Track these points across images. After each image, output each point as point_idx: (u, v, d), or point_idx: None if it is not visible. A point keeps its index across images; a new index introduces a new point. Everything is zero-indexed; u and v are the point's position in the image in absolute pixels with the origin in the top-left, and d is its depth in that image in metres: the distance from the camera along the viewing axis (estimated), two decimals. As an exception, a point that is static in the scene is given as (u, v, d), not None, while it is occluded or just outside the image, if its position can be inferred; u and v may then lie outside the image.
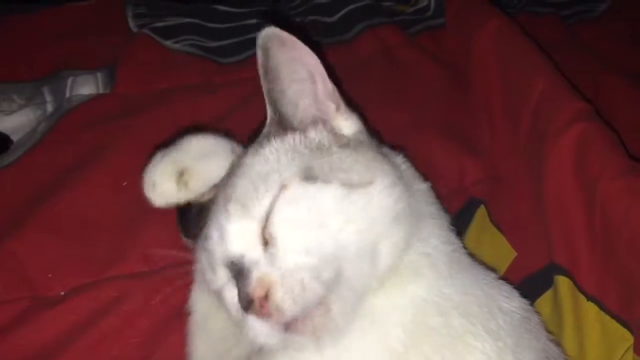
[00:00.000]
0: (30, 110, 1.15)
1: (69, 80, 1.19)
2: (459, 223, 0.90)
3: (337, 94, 0.75)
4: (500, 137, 1.08)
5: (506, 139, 1.06)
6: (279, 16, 1.42)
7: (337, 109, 0.75)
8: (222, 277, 0.70)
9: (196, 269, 0.81)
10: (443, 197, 0.85)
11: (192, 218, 0.83)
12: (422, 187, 0.80)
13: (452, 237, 0.79)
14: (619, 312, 0.77)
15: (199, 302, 0.82)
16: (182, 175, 0.80)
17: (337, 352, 0.66)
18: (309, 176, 0.68)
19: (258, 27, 1.32)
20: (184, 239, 0.85)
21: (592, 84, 1.20)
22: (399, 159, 0.81)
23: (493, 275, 0.77)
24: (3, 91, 1.17)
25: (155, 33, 1.31)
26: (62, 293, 0.91)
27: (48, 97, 1.17)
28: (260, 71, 0.71)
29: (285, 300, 0.62)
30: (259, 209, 0.67)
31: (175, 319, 0.88)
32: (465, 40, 1.24)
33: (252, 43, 1.32)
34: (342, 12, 1.43)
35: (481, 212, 1.02)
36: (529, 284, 0.89)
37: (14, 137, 1.13)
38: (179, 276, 0.88)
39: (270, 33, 0.69)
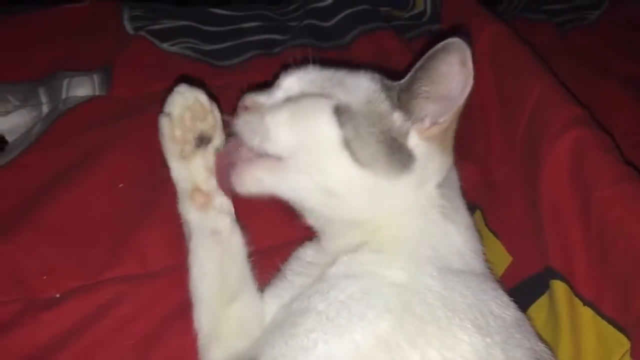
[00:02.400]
0: (25, 111, 1.14)
1: (65, 82, 1.18)
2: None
3: (442, 125, 0.78)
4: (496, 142, 1.09)
5: (502, 145, 1.07)
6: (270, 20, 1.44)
7: (432, 135, 0.78)
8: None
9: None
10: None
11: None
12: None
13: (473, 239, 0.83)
14: (615, 317, 0.77)
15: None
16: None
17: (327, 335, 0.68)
18: (338, 109, 0.76)
19: (255, 31, 1.33)
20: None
21: (586, 90, 1.20)
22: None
23: (494, 285, 0.77)
24: (-1, 92, 1.16)
25: (152, 35, 1.31)
26: (57, 295, 0.90)
27: (44, 99, 1.17)
28: (426, 63, 0.75)
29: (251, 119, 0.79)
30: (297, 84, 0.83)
31: (171, 322, 0.88)
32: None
33: (248, 47, 1.35)
34: (339, 16, 1.43)
35: (477, 217, 1.02)
36: (525, 288, 0.89)
37: (9, 138, 1.12)
38: (175, 279, 0.88)
39: (462, 46, 0.73)
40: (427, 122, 0.77)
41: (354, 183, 0.76)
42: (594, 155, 0.84)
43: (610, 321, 0.78)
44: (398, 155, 0.76)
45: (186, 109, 0.82)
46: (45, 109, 1.16)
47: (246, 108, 0.82)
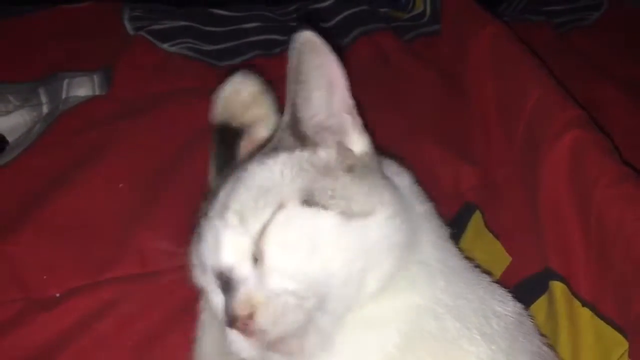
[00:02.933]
0: (25, 111, 1.15)
1: (65, 82, 1.18)
2: (455, 228, 0.90)
3: (355, 109, 0.73)
4: (496, 143, 1.09)
5: (501, 146, 1.07)
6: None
7: (353, 123, 0.73)
8: (211, 281, 0.70)
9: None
10: (439, 202, 0.85)
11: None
12: (424, 208, 0.79)
13: (449, 245, 0.79)
14: (614, 318, 0.77)
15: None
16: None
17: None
18: (308, 198, 0.67)
19: (255, 31, 1.34)
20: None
21: (586, 91, 1.21)
22: (404, 180, 0.80)
23: (488, 279, 0.77)
24: (-1, 92, 1.16)
25: (152, 36, 1.31)
26: (57, 295, 0.90)
27: (44, 99, 1.17)
28: (290, 73, 0.69)
29: (268, 323, 0.62)
30: (255, 225, 0.66)
31: (172, 322, 0.88)
32: (460, 46, 1.25)
33: (249, 47, 1.35)
34: (339, 17, 1.43)
35: (476, 217, 1.03)
36: (524, 289, 0.89)
37: (10, 138, 1.12)
38: (176, 279, 0.88)
39: (307, 37, 0.67)
40: (349, 119, 0.73)
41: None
42: (593, 156, 0.84)
43: (609, 322, 0.77)
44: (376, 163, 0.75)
45: None
46: (45, 109, 1.16)
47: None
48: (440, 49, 1.38)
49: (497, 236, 0.99)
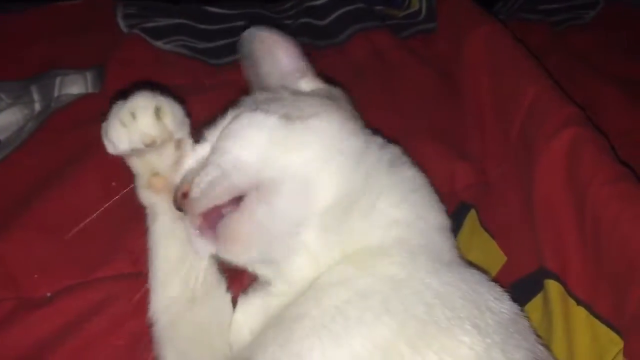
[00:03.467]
0: (17, 109, 1.14)
1: (58, 80, 1.18)
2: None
3: (305, 66, 0.91)
4: (491, 142, 1.09)
5: (497, 144, 1.07)
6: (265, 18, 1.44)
7: (302, 76, 0.91)
8: None
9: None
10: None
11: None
12: (410, 172, 0.83)
13: (448, 235, 0.81)
14: (609, 316, 0.77)
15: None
16: (158, 111, 0.78)
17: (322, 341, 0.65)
18: (255, 108, 0.79)
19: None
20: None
21: (582, 90, 1.21)
22: (390, 147, 0.85)
23: (484, 277, 0.76)
24: (-9, 90, 1.15)
25: (146, 33, 1.30)
26: (49, 294, 0.89)
27: (36, 96, 1.16)
28: (244, 60, 0.92)
29: (194, 191, 0.73)
30: (214, 133, 0.80)
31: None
32: (456, 45, 1.25)
33: (242, 45, 1.34)
34: (334, 15, 1.43)
35: (472, 216, 1.02)
36: (519, 288, 0.89)
37: (1, 136, 1.11)
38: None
39: (252, 32, 0.91)
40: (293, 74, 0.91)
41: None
42: (589, 155, 0.84)
43: (604, 321, 0.77)
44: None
45: (134, 146, 0.77)
46: (37, 106, 1.15)
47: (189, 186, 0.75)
48: (436, 47, 1.38)
49: (492, 235, 0.98)
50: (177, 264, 0.81)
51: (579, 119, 0.90)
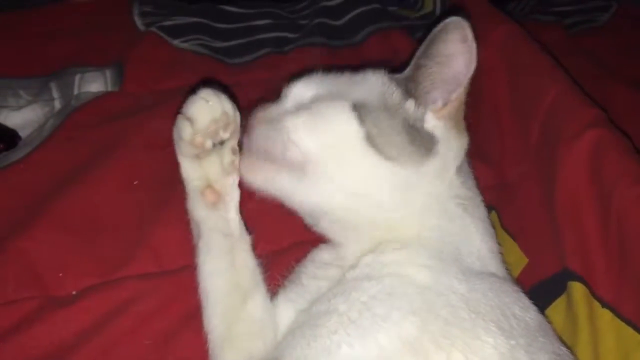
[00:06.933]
0: (37, 106, 1.14)
1: (77, 77, 1.18)
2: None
3: (454, 103, 0.81)
4: (510, 142, 1.08)
5: (516, 145, 1.07)
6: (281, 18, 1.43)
7: (441, 108, 0.80)
8: None
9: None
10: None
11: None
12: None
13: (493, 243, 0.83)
14: (634, 319, 0.77)
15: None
16: None
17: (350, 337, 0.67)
18: (357, 108, 0.77)
19: (266, 29, 1.33)
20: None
21: (595, 92, 1.21)
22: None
23: (515, 287, 0.77)
24: (10, 87, 1.15)
25: (163, 32, 1.30)
26: (74, 293, 0.89)
27: (56, 94, 1.16)
28: (428, 47, 0.79)
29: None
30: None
31: (189, 320, 0.87)
32: (473, 46, 1.25)
33: (260, 44, 1.35)
34: (349, 15, 1.43)
35: (493, 218, 1.02)
36: (542, 290, 0.89)
37: (22, 133, 1.11)
38: (192, 277, 0.88)
39: (460, 24, 0.78)
40: (439, 103, 0.80)
41: (381, 178, 0.76)
42: (613, 156, 0.84)
43: (630, 323, 0.77)
44: (419, 140, 0.78)
45: (213, 121, 0.78)
46: (57, 104, 1.16)
47: (258, 122, 0.82)
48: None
49: (513, 237, 0.98)
50: (227, 273, 0.83)
51: (602, 120, 0.90)
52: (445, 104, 0.80)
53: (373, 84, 0.82)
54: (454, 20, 0.77)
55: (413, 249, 0.75)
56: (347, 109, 0.77)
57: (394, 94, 0.80)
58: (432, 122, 0.80)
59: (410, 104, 0.80)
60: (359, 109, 0.77)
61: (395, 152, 0.76)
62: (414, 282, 0.71)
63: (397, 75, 0.83)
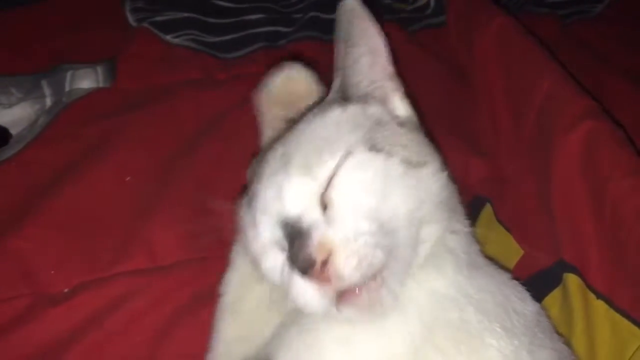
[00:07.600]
0: (28, 103, 1.13)
1: (69, 74, 1.17)
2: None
3: (396, 77, 0.78)
4: (504, 135, 1.08)
5: (510, 137, 1.06)
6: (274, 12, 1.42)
7: (396, 90, 0.78)
8: (267, 237, 0.68)
9: (232, 252, 0.81)
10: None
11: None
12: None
13: (473, 237, 0.80)
14: (629, 310, 0.76)
15: (232, 285, 0.81)
16: None
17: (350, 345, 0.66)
18: (372, 146, 0.68)
19: (259, 23, 1.32)
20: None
21: (590, 83, 1.20)
22: None
23: (507, 275, 0.77)
24: (1, 84, 1.15)
25: (155, 27, 1.29)
26: (66, 290, 0.89)
27: (47, 91, 1.15)
28: (340, 40, 0.75)
29: (346, 265, 0.60)
30: (323, 172, 0.65)
31: (182, 316, 0.87)
32: (467, 38, 1.24)
33: (253, 39, 1.34)
34: (343, 8, 1.42)
35: (487, 210, 1.02)
36: (537, 281, 0.88)
37: (13, 131, 1.11)
38: (185, 272, 0.88)
39: (353, 4, 0.74)
40: (390, 86, 0.78)
41: (430, 188, 0.71)
42: (607, 147, 0.84)
43: (625, 314, 0.77)
44: (417, 129, 0.77)
45: None
46: (48, 101, 1.15)
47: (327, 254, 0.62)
48: (446, 40, 1.37)
49: (508, 229, 0.98)
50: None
51: (596, 112, 0.90)
52: (391, 79, 0.78)
53: (339, 120, 0.72)
54: (339, 10, 0.76)
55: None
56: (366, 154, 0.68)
57: (362, 111, 0.73)
58: (400, 104, 0.78)
59: (374, 107, 0.74)
60: (372, 146, 0.69)
61: (424, 154, 0.72)
62: (429, 289, 0.69)
63: (329, 97, 0.77)
